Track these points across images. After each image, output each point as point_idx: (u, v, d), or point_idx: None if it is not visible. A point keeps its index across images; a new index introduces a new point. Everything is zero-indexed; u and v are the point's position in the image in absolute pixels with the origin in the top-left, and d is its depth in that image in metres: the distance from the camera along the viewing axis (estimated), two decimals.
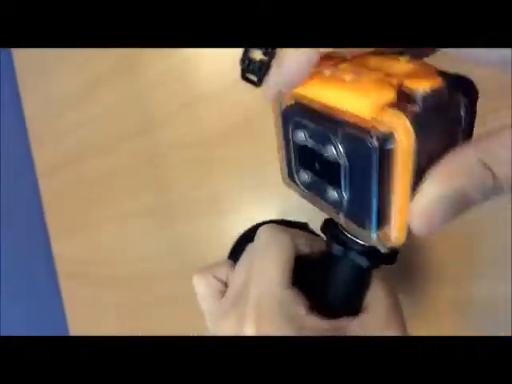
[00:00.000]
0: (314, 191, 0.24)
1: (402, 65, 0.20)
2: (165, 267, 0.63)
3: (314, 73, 0.21)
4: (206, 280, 0.32)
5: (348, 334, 0.25)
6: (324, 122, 0.21)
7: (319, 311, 0.27)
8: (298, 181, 0.25)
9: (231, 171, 0.52)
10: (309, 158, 0.23)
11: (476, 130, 0.20)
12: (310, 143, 0.22)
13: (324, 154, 0.21)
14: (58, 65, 0.72)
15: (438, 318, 0.41)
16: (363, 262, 0.26)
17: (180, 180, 0.58)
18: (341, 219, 0.23)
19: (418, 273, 0.41)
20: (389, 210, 0.20)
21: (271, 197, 0.48)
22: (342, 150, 0.20)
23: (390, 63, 0.21)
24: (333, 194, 0.22)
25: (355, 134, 0.19)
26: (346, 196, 0.22)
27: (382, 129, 0.18)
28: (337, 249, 0.26)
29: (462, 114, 0.19)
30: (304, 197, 0.25)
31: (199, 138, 0.54)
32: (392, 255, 0.26)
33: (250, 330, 0.25)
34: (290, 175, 0.25)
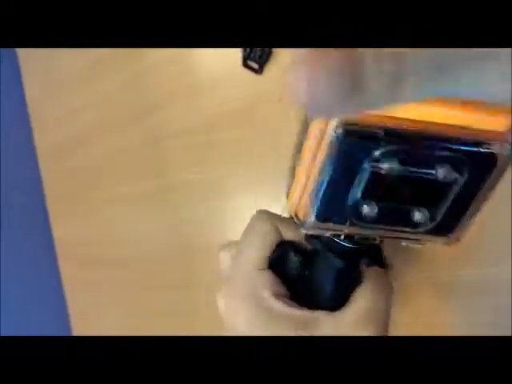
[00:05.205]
0: (382, 221, 0.21)
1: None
2: (165, 251, 0.63)
3: None
4: (228, 249, 0.32)
5: (317, 328, 0.25)
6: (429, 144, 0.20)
7: (296, 299, 0.27)
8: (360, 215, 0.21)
9: (231, 156, 0.52)
10: (386, 185, 0.21)
11: None
12: (402, 169, 0.20)
13: (424, 175, 0.20)
14: (60, 48, 0.71)
15: (417, 302, 0.41)
16: (338, 263, 0.26)
17: (180, 164, 0.58)
18: (414, 236, 0.22)
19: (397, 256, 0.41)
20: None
21: (271, 181, 0.48)
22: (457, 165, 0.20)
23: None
24: (419, 215, 0.21)
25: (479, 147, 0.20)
26: (439, 213, 0.21)
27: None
28: (316, 245, 0.26)
29: None
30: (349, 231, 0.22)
31: (200, 122, 0.54)
32: (375, 256, 0.26)
33: (221, 304, 0.28)
34: (336, 212, 0.22)
